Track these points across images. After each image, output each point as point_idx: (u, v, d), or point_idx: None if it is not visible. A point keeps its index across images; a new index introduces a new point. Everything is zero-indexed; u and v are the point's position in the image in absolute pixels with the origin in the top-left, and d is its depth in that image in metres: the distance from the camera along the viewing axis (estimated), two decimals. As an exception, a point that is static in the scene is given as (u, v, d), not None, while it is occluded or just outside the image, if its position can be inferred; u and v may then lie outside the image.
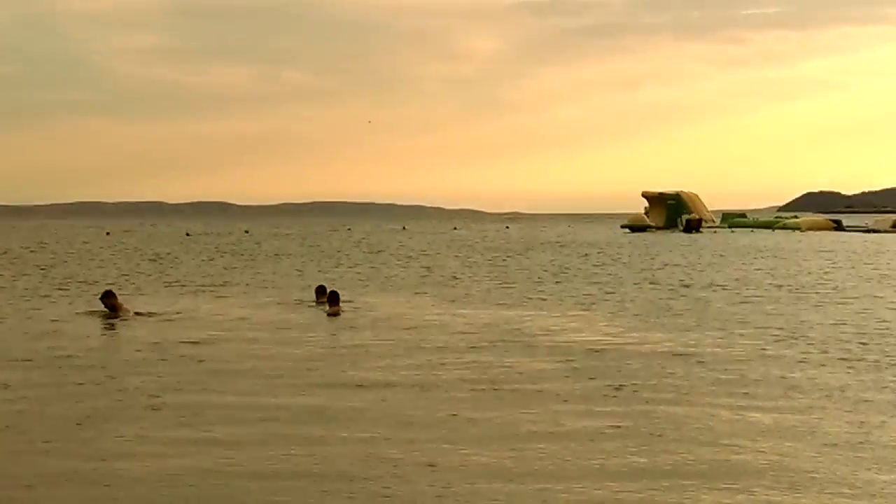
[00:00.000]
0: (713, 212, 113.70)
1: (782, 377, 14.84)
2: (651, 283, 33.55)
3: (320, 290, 26.56)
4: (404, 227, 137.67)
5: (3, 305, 26.37)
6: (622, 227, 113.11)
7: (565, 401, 13.12)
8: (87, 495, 9.15)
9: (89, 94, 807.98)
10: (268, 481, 9.48)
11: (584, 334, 20.09)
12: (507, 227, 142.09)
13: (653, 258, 51.55)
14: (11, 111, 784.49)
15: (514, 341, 18.89)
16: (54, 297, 28.88)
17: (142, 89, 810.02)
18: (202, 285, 33.73)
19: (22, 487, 9.32)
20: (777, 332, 20.10)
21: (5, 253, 60.48)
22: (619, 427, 11.53)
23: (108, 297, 22.79)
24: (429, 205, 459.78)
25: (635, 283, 33.66)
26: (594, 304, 26.63)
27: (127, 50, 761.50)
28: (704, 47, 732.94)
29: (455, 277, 37.40)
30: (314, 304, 25.92)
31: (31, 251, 64.21)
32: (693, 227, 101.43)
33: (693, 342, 18.70)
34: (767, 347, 18.01)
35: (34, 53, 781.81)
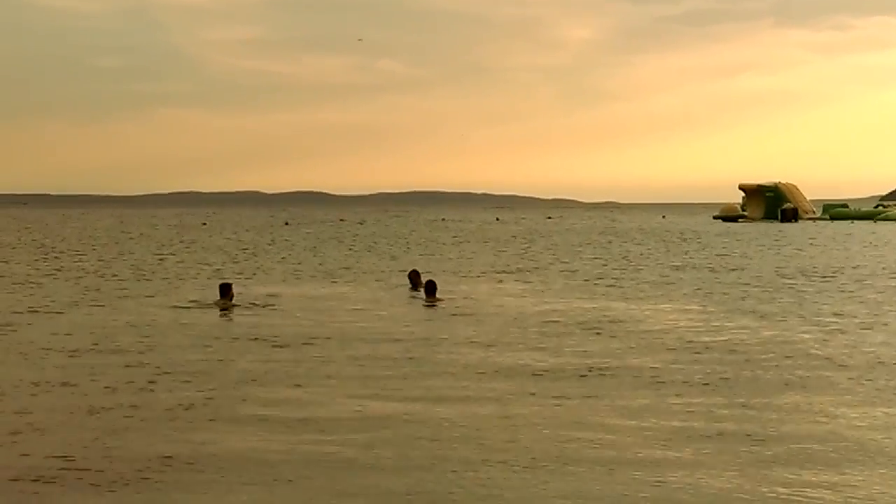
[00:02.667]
0: (813, 201, 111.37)
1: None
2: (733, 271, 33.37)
3: (414, 275, 27.58)
4: (497, 219, 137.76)
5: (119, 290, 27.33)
6: (714, 217, 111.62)
7: (674, 391, 13.33)
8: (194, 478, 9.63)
9: (188, 85, 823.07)
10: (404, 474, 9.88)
11: (672, 321, 20.22)
12: (609, 216, 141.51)
13: (736, 248, 51.10)
14: (113, 103, 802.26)
15: (609, 329, 19.10)
16: (167, 286, 29.79)
17: (239, 80, 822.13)
18: (306, 273, 34.47)
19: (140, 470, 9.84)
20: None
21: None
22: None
23: (225, 289, 23.53)
24: (524, 194, 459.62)
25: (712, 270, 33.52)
26: (676, 290, 26.65)
27: (224, 41, 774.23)
28: (805, 34, 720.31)
29: (545, 265, 37.58)
30: (409, 289, 26.97)
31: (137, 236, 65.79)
32: (789, 217, 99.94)
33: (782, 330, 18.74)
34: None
35: (135, 46, 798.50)
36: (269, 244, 59.69)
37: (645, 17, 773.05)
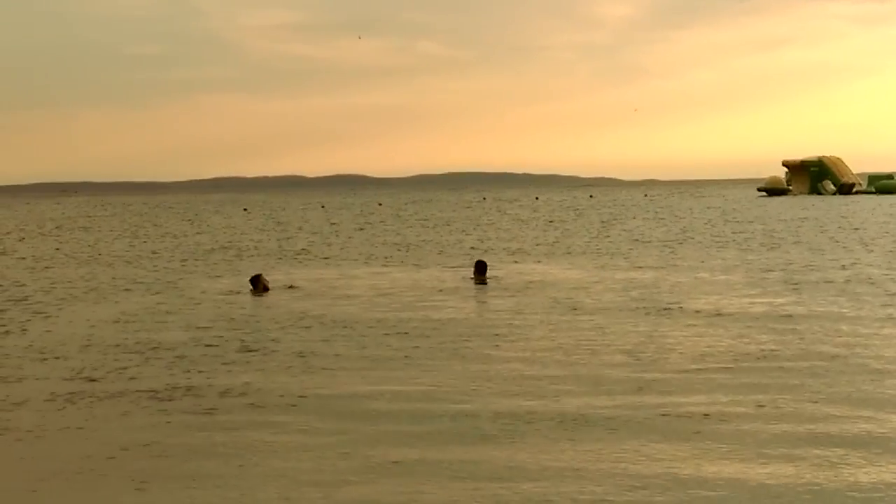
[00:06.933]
0: (858, 174, 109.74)
1: None
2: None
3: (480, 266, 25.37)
4: (537, 198, 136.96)
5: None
6: (759, 189, 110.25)
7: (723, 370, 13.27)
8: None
9: (227, 71, 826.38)
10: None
11: (718, 297, 20.08)
12: (646, 195, 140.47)
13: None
14: (153, 90, 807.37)
15: (657, 306, 19.01)
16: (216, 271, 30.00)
17: (278, 65, 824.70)
18: (348, 256, 34.63)
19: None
20: None
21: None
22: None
23: (256, 280, 23.16)
24: (564, 173, 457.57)
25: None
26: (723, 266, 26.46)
27: (263, 27, 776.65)
28: (845, 6, 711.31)
29: (589, 242, 37.48)
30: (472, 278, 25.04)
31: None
32: (846, 191, 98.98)
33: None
34: None
35: (174, 33, 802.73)
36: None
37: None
